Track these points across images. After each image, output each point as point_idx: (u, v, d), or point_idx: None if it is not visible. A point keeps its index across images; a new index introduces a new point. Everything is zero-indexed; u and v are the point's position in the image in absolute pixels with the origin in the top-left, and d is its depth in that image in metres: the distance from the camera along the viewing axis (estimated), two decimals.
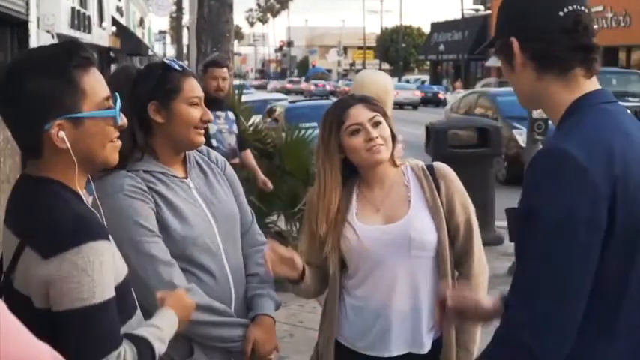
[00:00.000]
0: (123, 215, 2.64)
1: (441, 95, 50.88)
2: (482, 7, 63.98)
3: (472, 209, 3.02)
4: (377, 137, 2.89)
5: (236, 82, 10.15)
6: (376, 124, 2.91)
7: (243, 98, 11.37)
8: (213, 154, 3.09)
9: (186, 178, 2.86)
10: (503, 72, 2.13)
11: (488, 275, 3.04)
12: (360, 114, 2.92)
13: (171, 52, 78.31)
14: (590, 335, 1.88)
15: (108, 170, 2.61)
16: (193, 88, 2.81)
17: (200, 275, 2.77)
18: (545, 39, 1.98)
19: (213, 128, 6.63)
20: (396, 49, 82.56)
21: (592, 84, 2.01)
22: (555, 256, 1.82)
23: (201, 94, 2.86)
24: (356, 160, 2.95)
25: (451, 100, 44.53)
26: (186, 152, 2.91)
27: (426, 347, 2.94)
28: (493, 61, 51.14)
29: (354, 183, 3.02)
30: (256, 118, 9.84)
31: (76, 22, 16.75)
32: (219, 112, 6.75)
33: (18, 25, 13.12)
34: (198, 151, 2.98)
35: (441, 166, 3.05)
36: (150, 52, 47.61)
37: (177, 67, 2.82)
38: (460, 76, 57.94)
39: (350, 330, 2.99)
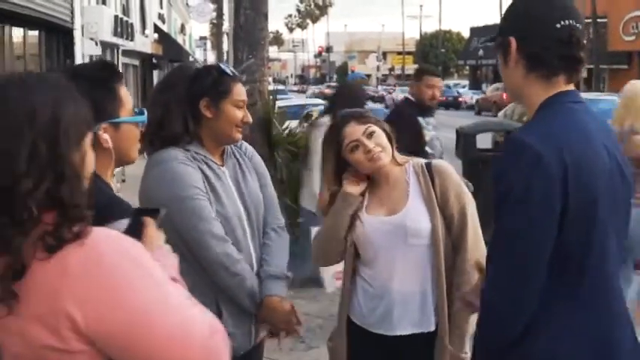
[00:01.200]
0: (178, 177, 3.05)
1: (461, 99, 52.84)
2: None
3: (468, 200, 3.29)
4: (374, 147, 3.22)
5: (271, 87, 10.42)
6: (370, 135, 3.24)
7: (281, 103, 11.60)
8: (245, 145, 3.45)
9: (222, 166, 3.24)
10: (500, 64, 2.37)
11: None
12: (354, 131, 3.25)
13: (211, 57, 78.92)
14: (557, 306, 2.15)
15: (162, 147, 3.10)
16: (240, 92, 3.22)
17: None
18: (540, 44, 2.23)
19: (428, 135, 6.56)
20: (436, 54, 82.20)
21: (567, 85, 2.27)
22: (516, 230, 2.10)
23: (246, 98, 3.25)
24: (362, 169, 3.29)
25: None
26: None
27: (429, 328, 3.22)
28: None
29: (367, 182, 3.34)
30: (293, 123, 10.11)
31: (119, 29, 17.18)
32: (430, 119, 6.70)
33: (64, 33, 13.58)
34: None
35: (438, 163, 3.38)
36: (191, 58, 48.11)
37: (230, 73, 3.21)
38: (498, 81, 57.66)
39: (360, 309, 3.33)
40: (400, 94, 55.87)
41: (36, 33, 13.20)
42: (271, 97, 8.82)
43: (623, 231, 2.29)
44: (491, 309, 2.17)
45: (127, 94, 2.37)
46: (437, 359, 3.21)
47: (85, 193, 1.64)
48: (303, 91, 76.23)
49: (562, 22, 2.21)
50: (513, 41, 2.26)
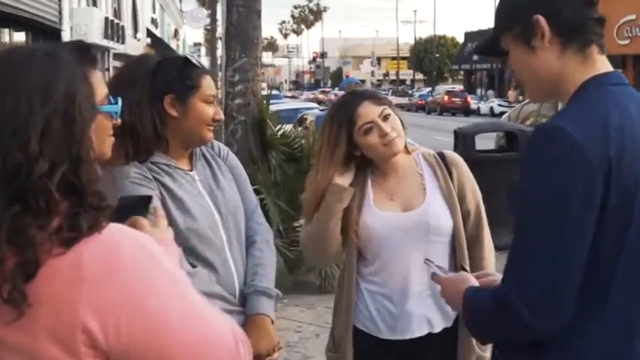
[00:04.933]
0: None
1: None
2: None
3: (480, 195, 3.10)
4: (390, 130, 2.93)
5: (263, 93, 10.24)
6: (386, 118, 2.95)
7: (277, 107, 11.31)
8: (217, 144, 3.05)
9: (191, 170, 2.84)
10: (517, 60, 2.08)
11: (494, 258, 3.12)
12: (369, 112, 2.95)
13: (205, 63, 78.85)
14: (583, 313, 1.88)
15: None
16: (210, 86, 2.80)
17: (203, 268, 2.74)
18: (570, 9, 1.99)
19: None
20: (430, 59, 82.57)
21: (604, 66, 2.03)
22: (550, 231, 1.84)
23: (215, 92, 2.85)
24: (373, 155, 3.00)
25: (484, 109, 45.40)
26: None
27: (440, 327, 3.00)
28: None
29: (367, 171, 3.06)
30: (288, 127, 9.91)
31: (109, 32, 16.96)
32: None
33: (51, 34, 13.34)
34: None
35: (452, 154, 3.14)
36: None
37: (197, 64, 2.81)
38: (494, 86, 57.68)
39: (368, 314, 3.04)
40: None
41: (22, 34, 12.98)
42: (264, 101, 8.57)
43: None
44: (520, 324, 1.87)
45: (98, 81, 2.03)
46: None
47: (99, 180, 1.47)
48: (297, 97, 76.41)
49: None
50: (541, 18, 2.00)
